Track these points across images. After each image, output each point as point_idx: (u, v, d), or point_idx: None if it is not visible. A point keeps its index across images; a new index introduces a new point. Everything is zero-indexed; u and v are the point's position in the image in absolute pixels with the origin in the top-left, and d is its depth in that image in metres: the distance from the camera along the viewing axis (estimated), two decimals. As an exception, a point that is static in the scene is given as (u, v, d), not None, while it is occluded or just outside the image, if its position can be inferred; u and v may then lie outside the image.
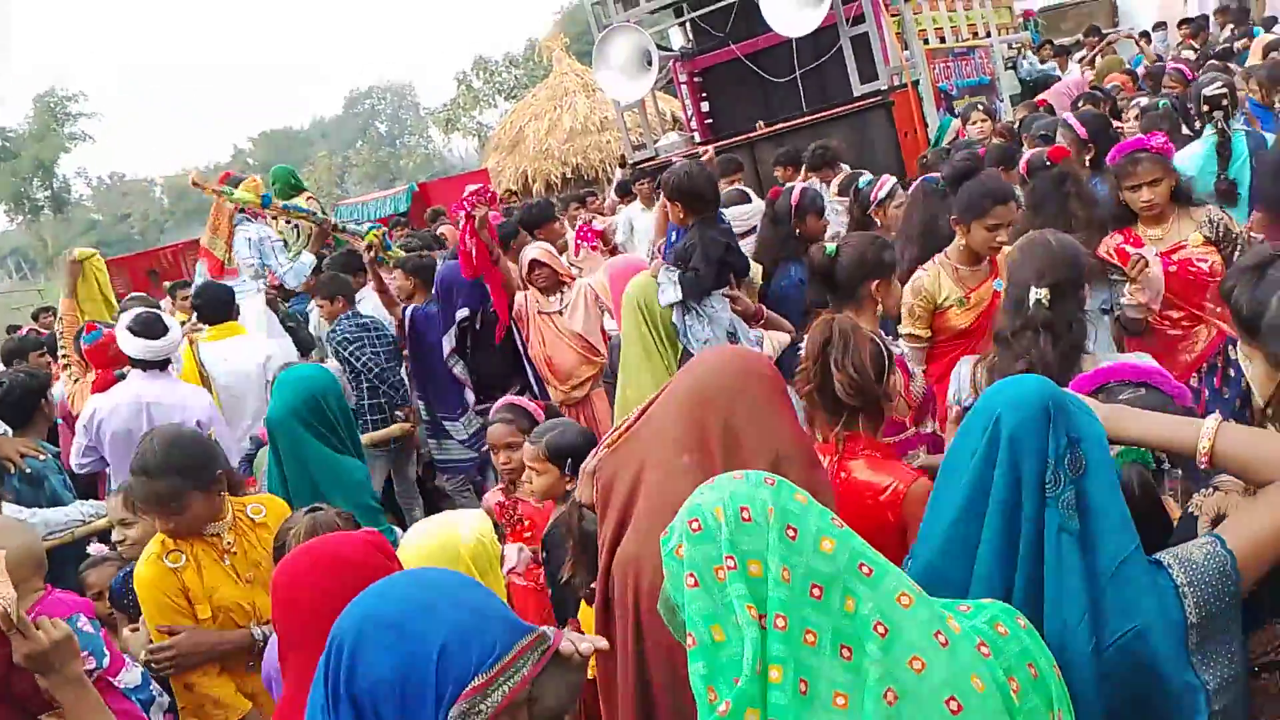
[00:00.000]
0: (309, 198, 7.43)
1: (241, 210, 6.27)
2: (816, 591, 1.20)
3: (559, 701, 1.31)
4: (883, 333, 2.96)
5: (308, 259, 6.49)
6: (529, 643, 1.23)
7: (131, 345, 4.17)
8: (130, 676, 2.40)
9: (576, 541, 2.44)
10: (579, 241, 6.17)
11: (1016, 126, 6.99)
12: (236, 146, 71.24)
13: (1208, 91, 4.91)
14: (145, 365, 4.23)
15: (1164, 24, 15.06)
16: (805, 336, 2.47)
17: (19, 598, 2.30)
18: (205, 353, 4.93)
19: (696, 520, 1.24)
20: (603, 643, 1.34)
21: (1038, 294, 2.49)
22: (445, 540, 2.19)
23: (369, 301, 5.74)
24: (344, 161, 58.02)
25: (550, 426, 3.12)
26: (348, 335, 5.23)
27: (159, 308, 6.44)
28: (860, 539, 1.27)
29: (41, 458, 3.86)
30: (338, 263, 6.24)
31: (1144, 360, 2.09)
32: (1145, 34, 13.33)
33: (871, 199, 4.95)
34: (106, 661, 2.34)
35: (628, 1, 8.93)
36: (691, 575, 1.21)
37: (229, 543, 2.79)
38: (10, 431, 3.89)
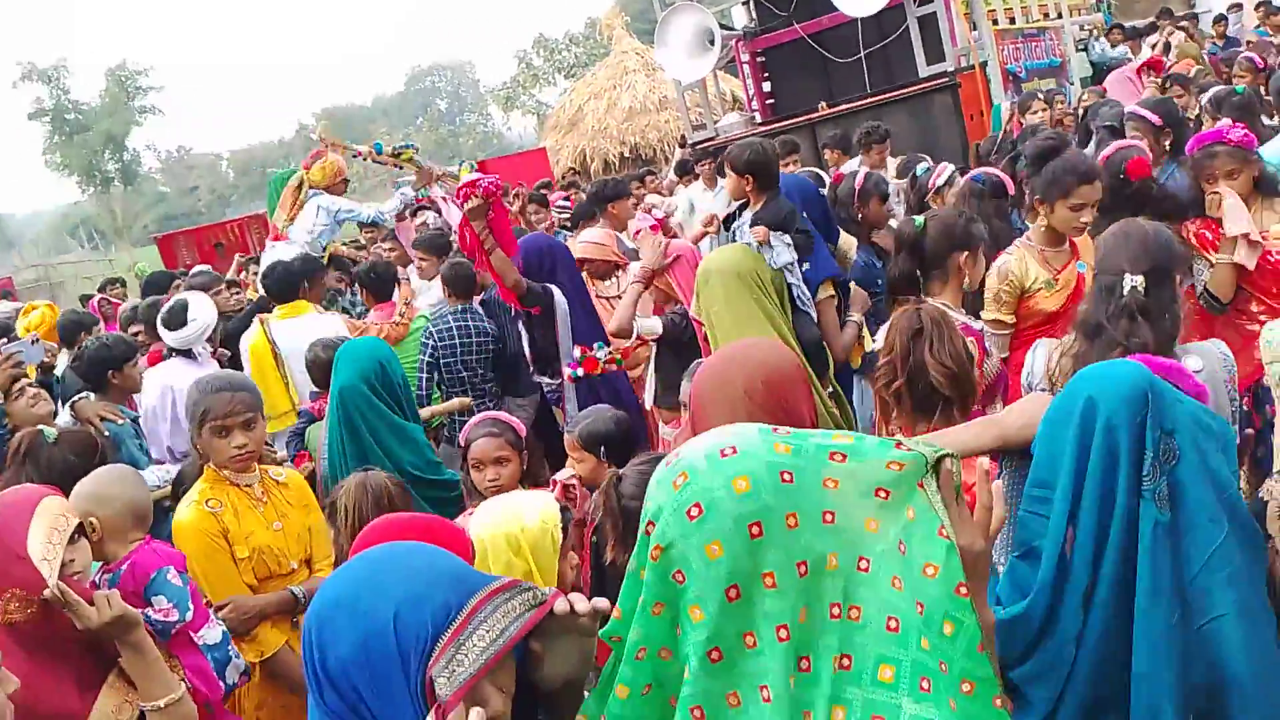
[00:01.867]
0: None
1: (356, 157, 6.55)
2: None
3: (569, 667, 1.32)
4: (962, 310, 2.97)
5: (396, 200, 6.84)
6: (488, 594, 1.25)
7: (164, 335, 4.57)
8: (211, 634, 2.49)
9: (615, 520, 2.49)
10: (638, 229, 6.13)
11: (1082, 114, 6.82)
12: (301, 123, 72.35)
13: None
14: (175, 352, 4.57)
15: (1240, 5, 14.54)
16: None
17: (117, 546, 2.44)
18: (277, 331, 5.01)
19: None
20: (603, 603, 1.33)
21: (1134, 281, 2.41)
22: (509, 521, 2.21)
23: (436, 291, 5.75)
24: (405, 138, 58.49)
25: (585, 415, 3.17)
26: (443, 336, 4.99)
27: (221, 281, 6.69)
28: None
29: (120, 422, 4.00)
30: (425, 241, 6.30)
31: (1180, 358, 2.06)
32: (1221, 17, 12.87)
33: (929, 186, 4.88)
34: (190, 616, 2.43)
35: (691, -21, 8.87)
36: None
37: (260, 493, 3.02)
38: (93, 396, 4.04)
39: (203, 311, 4.62)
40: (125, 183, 50.26)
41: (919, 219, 3.14)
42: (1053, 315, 3.54)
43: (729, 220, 4.43)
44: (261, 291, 5.59)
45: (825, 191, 4.87)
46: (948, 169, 4.97)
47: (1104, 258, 2.60)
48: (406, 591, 1.22)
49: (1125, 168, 3.85)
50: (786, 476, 1.21)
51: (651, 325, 4.15)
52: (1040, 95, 7.10)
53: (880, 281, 4.01)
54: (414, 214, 7.27)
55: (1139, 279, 2.40)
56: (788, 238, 3.91)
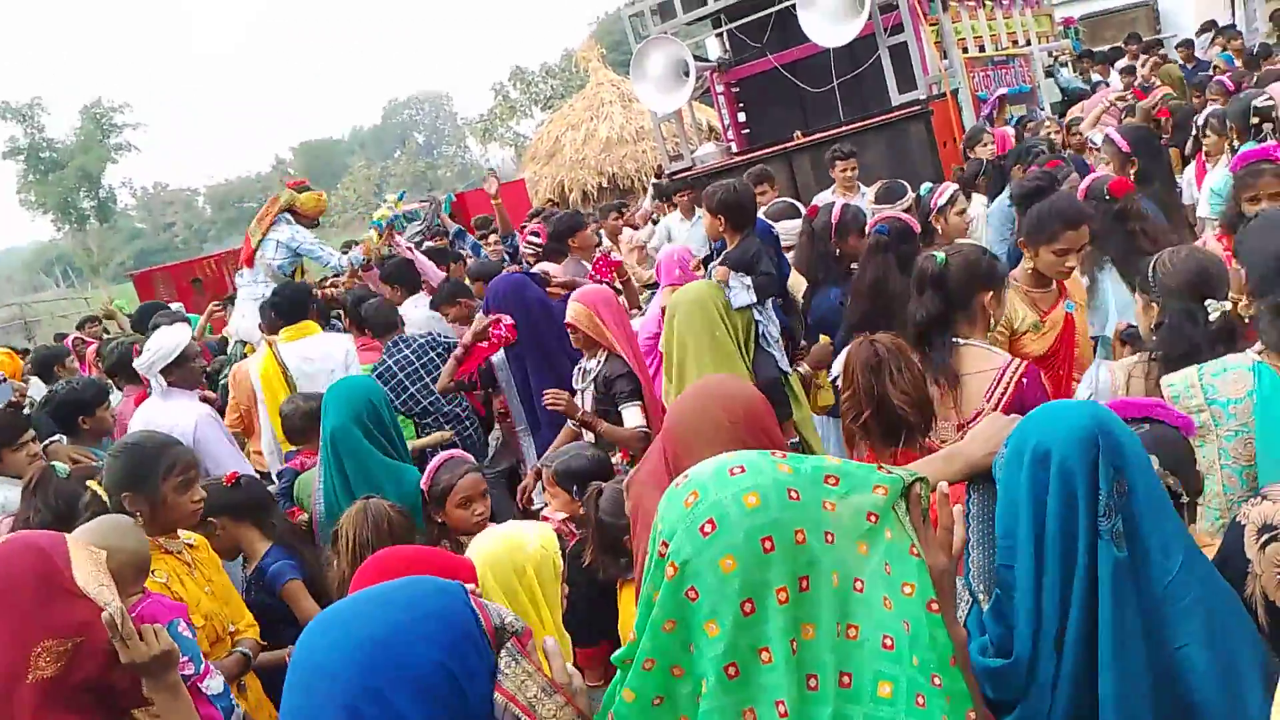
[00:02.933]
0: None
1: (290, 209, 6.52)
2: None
3: None
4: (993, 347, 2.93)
5: (357, 252, 6.77)
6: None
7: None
8: (215, 684, 2.44)
9: (594, 529, 2.60)
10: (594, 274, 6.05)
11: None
12: (278, 156, 72.39)
13: (1258, 103, 4.84)
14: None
15: (1213, 23, 14.80)
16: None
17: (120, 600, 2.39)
18: (286, 353, 4.88)
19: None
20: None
21: (1222, 306, 2.42)
22: (512, 547, 2.21)
23: (422, 311, 5.74)
24: (382, 171, 58.69)
25: (562, 452, 3.18)
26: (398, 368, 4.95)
27: (189, 321, 6.65)
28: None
29: (93, 464, 3.95)
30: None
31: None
32: (1188, 42, 13.12)
33: (931, 206, 4.85)
34: (202, 668, 2.39)
35: (665, 13, 8.96)
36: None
37: (189, 559, 2.89)
38: (65, 439, 3.99)
39: (162, 338, 4.44)
40: (101, 219, 49.99)
41: (940, 255, 2.96)
42: (1041, 358, 3.45)
43: (708, 260, 4.47)
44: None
45: (800, 223, 4.85)
46: (949, 188, 4.94)
47: (1174, 286, 2.55)
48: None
49: (1108, 189, 3.88)
50: (793, 494, 1.24)
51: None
52: (989, 130, 7.13)
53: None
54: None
55: (1225, 304, 2.41)
56: (748, 279, 3.92)
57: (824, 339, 4.28)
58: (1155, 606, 1.41)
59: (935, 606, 1.25)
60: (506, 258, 7.46)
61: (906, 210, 4.76)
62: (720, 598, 1.19)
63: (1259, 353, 2.35)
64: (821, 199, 6.26)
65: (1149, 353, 2.60)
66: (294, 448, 4.21)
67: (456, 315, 5.65)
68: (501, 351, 4.54)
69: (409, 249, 6.87)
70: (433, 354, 4.96)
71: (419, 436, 4.95)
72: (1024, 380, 2.69)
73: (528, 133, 39.10)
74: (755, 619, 1.19)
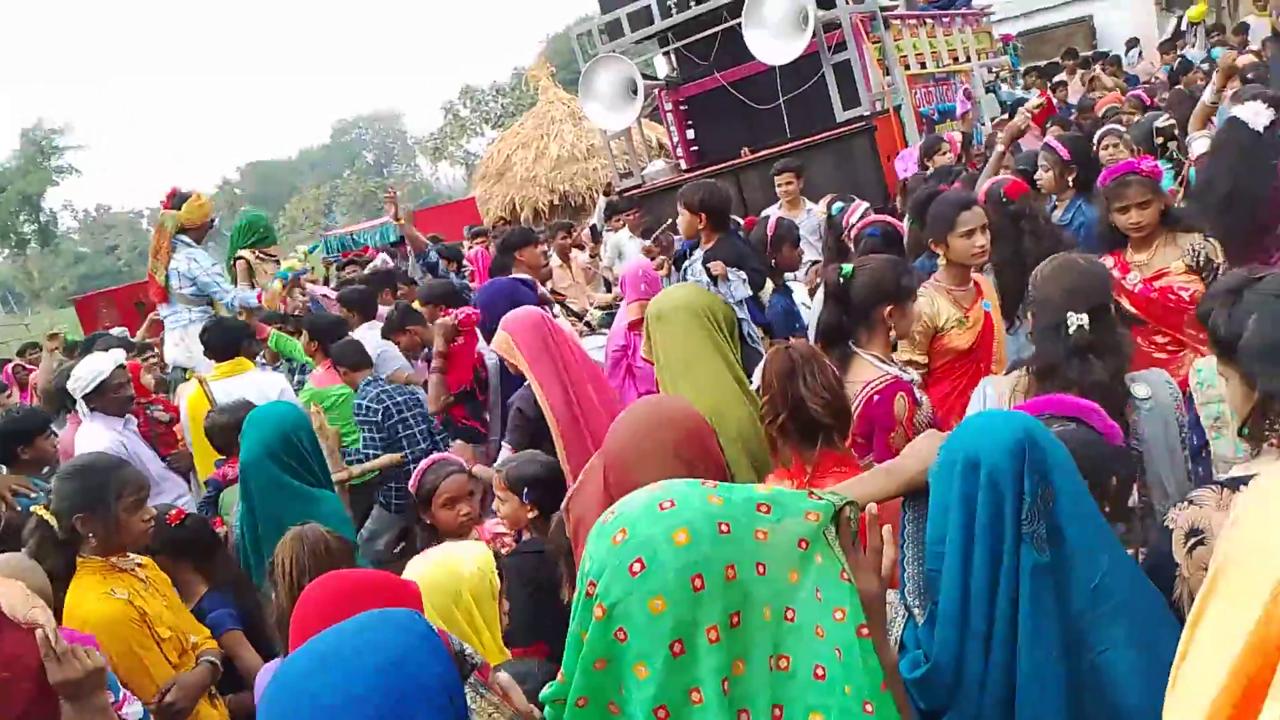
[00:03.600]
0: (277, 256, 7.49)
1: (181, 232, 6.30)
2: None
3: None
4: (892, 358, 3.01)
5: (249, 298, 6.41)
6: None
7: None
8: (133, 710, 2.41)
9: (565, 558, 2.54)
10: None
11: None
12: (224, 178, 71.40)
13: (1159, 124, 5.04)
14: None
15: (1136, 40, 15.27)
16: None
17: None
18: (218, 392, 4.83)
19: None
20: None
21: (1080, 319, 2.46)
22: (448, 571, 2.20)
23: (373, 338, 5.60)
24: (331, 191, 58.14)
25: (517, 456, 3.19)
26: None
27: (131, 346, 6.48)
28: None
29: (32, 494, 3.86)
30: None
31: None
32: (1116, 58, 13.53)
33: (845, 224, 4.99)
34: (121, 696, 2.36)
35: (613, 32, 9.02)
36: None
37: (143, 575, 2.90)
38: (4, 469, 3.91)
39: (84, 367, 4.45)
40: (42, 244, 48.86)
41: (846, 267, 3.08)
42: (965, 353, 3.63)
43: (679, 260, 4.50)
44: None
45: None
46: (861, 206, 5.09)
47: (1043, 297, 2.63)
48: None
49: (1003, 191, 4.02)
50: (724, 527, 1.23)
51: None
52: (944, 138, 7.27)
53: (798, 325, 4.10)
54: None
55: (1084, 317, 2.46)
56: (744, 273, 4.01)
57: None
58: (1079, 610, 1.45)
59: (865, 631, 1.25)
60: (427, 274, 7.40)
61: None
62: (650, 639, 1.18)
63: None
64: (767, 213, 6.37)
65: (1025, 367, 2.66)
66: (222, 457, 4.20)
67: (408, 344, 5.53)
68: (497, 362, 4.45)
69: (324, 296, 6.73)
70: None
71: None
72: (874, 397, 2.81)
73: (478, 151, 39.02)
74: (685, 659, 1.18)
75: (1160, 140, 4.96)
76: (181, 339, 6.14)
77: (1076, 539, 1.48)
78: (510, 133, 19.95)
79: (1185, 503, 1.66)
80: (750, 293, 3.99)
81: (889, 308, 3.00)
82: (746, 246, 4.35)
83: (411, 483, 3.34)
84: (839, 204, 5.24)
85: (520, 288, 4.67)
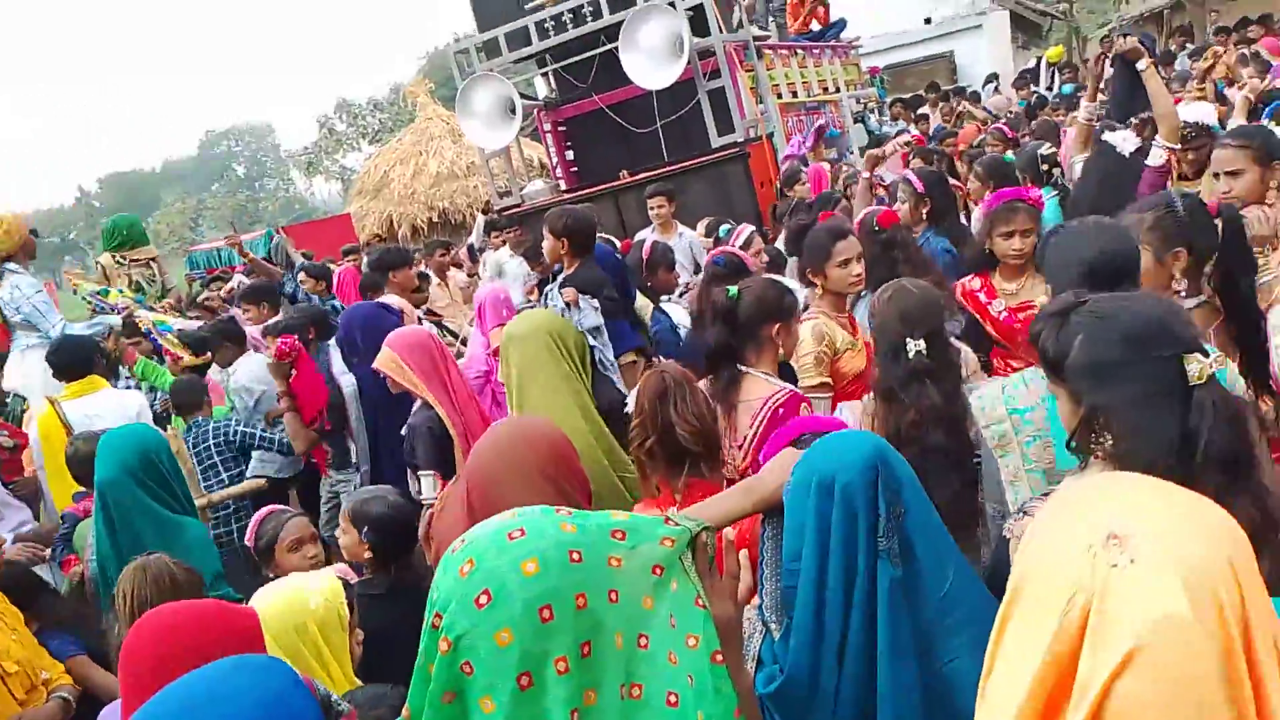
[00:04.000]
0: (149, 258, 7.11)
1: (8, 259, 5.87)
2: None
3: None
4: (779, 379, 3.05)
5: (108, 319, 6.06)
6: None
7: None
8: None
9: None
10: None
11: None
12: (82, 188, 67.59)
13: (1044, 151, 5.34)
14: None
15: (995, 76, 16.18)
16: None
17: None
18: (70, 412, 4.58)
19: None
20: None
21: (916, 346, 2.55)
22: (293, 604, 2.13)
23: (244, 370, 5.41)
24: (199, 204, 55.81)
25: (363, 493, 3.14)
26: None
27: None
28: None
29: None
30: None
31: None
32: (975, 93, 14.29)
33: (730, 246, 5.10)
34: None
35: (490, 50, 8.99)
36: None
37: None
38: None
39: None
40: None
41: (732, 289, 3.10)
42: (858, 376, 3.60)
43: (543, 284, 4.49)
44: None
45: None
46: (746, 230, 5.22)
47: (882, 323, 2.74)
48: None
49: (876, 220, 4.18)
50: (575, 555, 1.22)
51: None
52: (804, 169, 7.52)
53: (680, 344, 4.16)
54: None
55: (920, 343, 2.56)
56: (596, 301, 4.00)
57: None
58: (929, 621, 1.51)
59: (720, 658, 1.26)
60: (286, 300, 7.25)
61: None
62: (496, 672, 1.16)
63: None
64: (642, 236, 6.48)
65: (871, 391, 2.78)
66: (82, 490, 3.98)
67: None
68: (355, 388, 4.38)
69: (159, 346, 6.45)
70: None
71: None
72: (779, 410, 2.83)
73: (355, 166, 38.17)
74: (534, 691, 1.17)
75: (1046, 167, 5.25)
76: (19, 364, 5.75)
77: (925, 553, 1.54)
78: (388, 148, 19.60)
79: (1022, 513, 1.75)
80: (600, 321, 3.96)
81: (776, 326, 3.04)
82: (611, 272, 4.32)
83: (248, 536, 3.22)
84: (725, 226, 5.35)
85: (383, 313, 4.58)
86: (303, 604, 2.08)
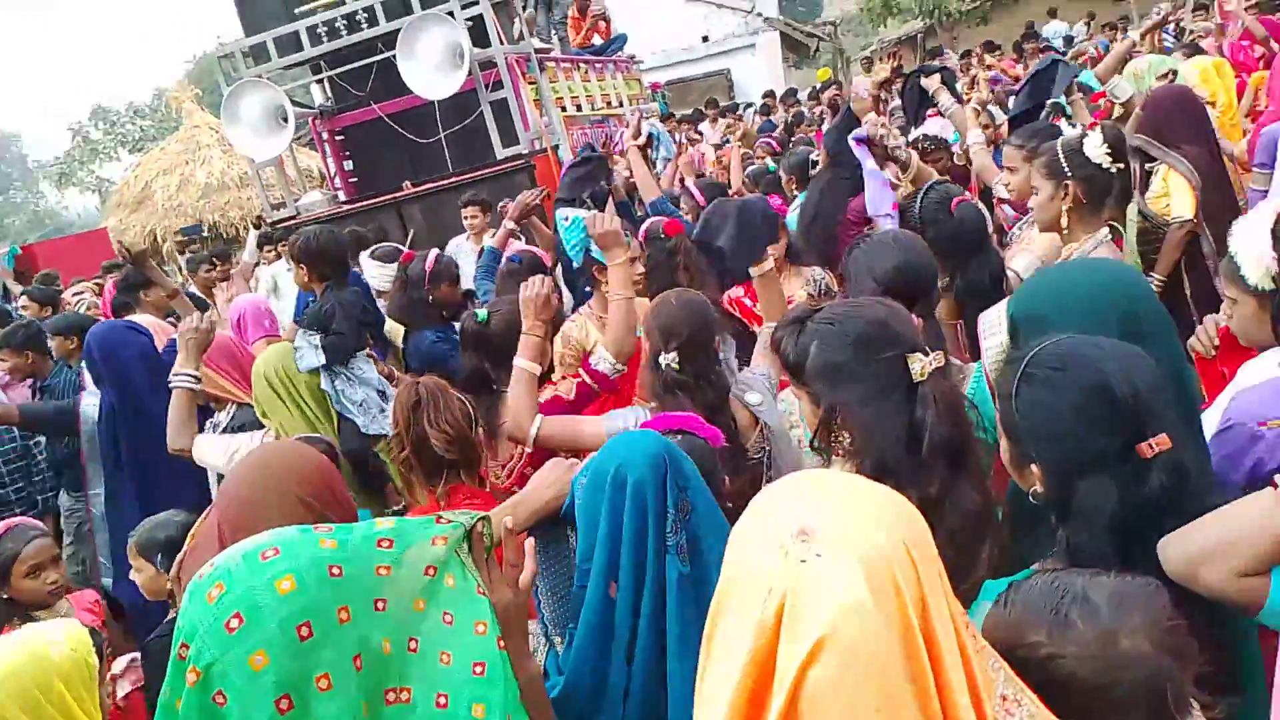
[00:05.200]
0: None
1: None
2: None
3: None
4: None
5: None
6: None
7: None
8: None
9: None
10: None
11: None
12: None
13: (813, 157, 5.69)
14: None
15: (773, 92, 17.09)
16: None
17: None
18: None
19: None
20: None
21: (666, 359, 2.59)
22: (33, 657, 1.92)
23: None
24: (-71, 218, 49.96)
25: (148, 523, 2.93)
26: None
27: None
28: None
29: None
30: None
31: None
32: (750, 105, 15.04)
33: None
34: None
35: (258, 56, 8.55)
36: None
37: None
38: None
39: None
40: None
41: (481, 313, 3.07)
42: (623, 378, 3.77)
43: None
44: None
45: (395, 270, 4.90)
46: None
47: (646, 333, 2.80)
48: None
49: (662, 229, 4.31)
50: (335, 570, 1.17)
51: None
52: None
53: (450, 361, 4.04)
54: None
55: (671, 355, 2.62)
56: (318, 338, 3.61)
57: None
58: None
59: (502, 644, 1.27)
60: None
61: None
62: (251, 699, 1.10)
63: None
64: (456, 243, 6.33)
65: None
66: None
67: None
68: (94, 402, 4.14)
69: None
70: None
71: None
72: None
73: (114, 177, 35.31)
74: (295, 714, 1.12)
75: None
76: None
77: (712, 549, 1.57)
78: (151, 158, 18.27)
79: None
80: (322, 361, 3.55)
81: None
82: (336, 307, 3.80)
83: None
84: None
85: (127, 333, 4.29)
86: (44, 657, 1.87)
